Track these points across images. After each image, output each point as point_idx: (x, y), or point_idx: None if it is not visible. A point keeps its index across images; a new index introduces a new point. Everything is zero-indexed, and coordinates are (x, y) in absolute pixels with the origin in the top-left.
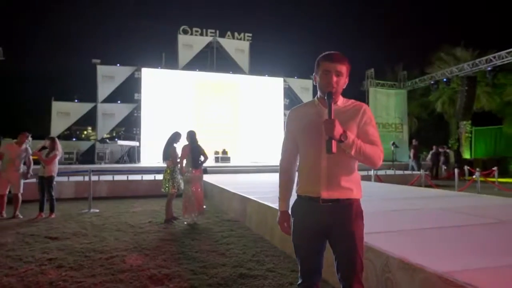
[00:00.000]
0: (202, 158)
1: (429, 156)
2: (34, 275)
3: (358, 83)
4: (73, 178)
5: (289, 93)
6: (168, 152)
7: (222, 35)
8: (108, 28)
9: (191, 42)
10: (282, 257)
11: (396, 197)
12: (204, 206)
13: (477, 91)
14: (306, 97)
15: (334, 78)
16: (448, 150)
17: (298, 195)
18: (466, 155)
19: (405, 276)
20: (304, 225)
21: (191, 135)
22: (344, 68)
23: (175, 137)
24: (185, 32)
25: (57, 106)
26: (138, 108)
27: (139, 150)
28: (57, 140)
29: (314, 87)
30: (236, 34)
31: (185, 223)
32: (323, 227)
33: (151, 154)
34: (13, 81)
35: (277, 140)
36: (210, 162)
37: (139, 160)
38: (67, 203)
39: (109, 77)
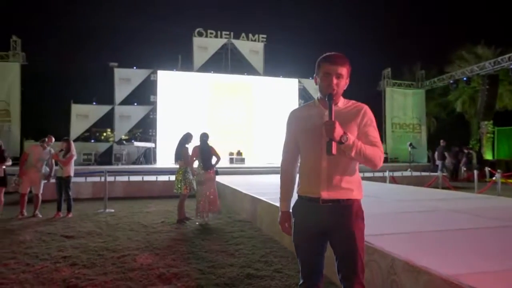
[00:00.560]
0: (214, 159)
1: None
2: (49, 272)
3: (375, 83)
4: (90, 179)
5: (304, 94)
6: (180, 153)
7: (237, 36)
8: (125, 31)
9: (205, 44)
10: (291, 258)
11: (408, 199)
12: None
13: (499, 90)
14: None
15: (335, 80)
16: (471, 151)
17: (299, 196)
18: (488, 156)
19: (410, 278)
20: (305, 226)
21: (201, 137)
22: (344, 70)
23: (187, 138)
24: (200, 34)
25: (76, 109)
26: (154, 110)
27: (155, 151)
28: (71, 141)
29: None
30: (250, 35)
31: (197, 223)
32: (323, 227)
33: (166, 155)
34: (35, 84)
35: None
36: (224, 163)
37: (155, 161)
38: (85, 203)
39: (125, 79)
